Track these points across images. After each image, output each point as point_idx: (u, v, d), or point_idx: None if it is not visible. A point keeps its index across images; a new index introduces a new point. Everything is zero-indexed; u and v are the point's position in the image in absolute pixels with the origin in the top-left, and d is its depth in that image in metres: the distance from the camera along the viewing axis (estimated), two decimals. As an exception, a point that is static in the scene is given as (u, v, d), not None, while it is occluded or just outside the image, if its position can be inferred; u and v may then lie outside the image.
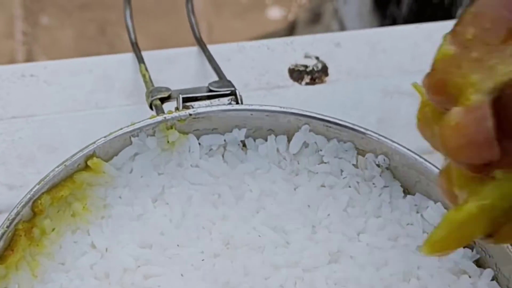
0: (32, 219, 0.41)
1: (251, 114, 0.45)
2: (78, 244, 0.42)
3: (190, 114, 0.44)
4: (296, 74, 0.60)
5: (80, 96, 0.58)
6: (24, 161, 0.54)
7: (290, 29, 1.76)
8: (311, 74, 0.60)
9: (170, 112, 0.45)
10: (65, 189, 0.42)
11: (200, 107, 0.45)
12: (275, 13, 1.77)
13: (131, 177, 0.44)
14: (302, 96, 0.59)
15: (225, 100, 0.46)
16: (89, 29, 1.66)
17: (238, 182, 0.45)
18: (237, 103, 0.46)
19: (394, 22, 1.50)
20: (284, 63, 0.61)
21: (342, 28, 1.72)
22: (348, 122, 0.45)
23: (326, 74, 0.61)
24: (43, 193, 0.41)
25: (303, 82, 0.60)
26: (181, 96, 0.45)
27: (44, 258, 0.41)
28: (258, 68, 0.61)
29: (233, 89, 0.49)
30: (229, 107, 0.45)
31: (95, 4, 1.69)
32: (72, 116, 0.56)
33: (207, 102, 0.46)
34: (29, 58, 1.60)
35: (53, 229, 0.42)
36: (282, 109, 0.45)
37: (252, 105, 0.45)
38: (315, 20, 1.78)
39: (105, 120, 0.56)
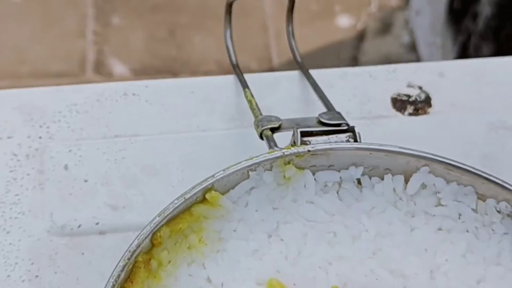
0: (150, 251, 0.41)
1: (370, 154, 0.44)
2: (193, 278, 0.41)
3: (309, 151, 0.44)
4: (399, 104, 0.59)
5: (181, 118, 0.57)
6: (127, 182, 0.54)
7: (359, 38, 1.75)
8: (414, 105, 0.59)
9: (288, 147, 0.44)
10: (183, 222, 0.42)
11: (318, 143, 0.44)
12: (344, 22, 1.75)
13: (246, 211, 0.44)
14: (406, 127, 0.58)
15: (343, 136, 0.45)
16: (159, 31, 1.67)
17: (353, 221, 0.44)
18: (355, 140, 0.45)
19: (468, 37, 1.48)
20: (386, 92, 0.60)
21: (413, 39, 1.70)
22: (470, 166, 0.44)
23: (430, 105, 0.59)
24: (162, 225, 0.41)
25: (406, 113, 0.59)
26: (299, 131, 0.45)
27: (161, 291, 0.41)
28: (360, 96, 0.60)
29: (344, 121, 0.48)
30: (349, 145, 0.44)
31: (166, 6, 1.70)
32: (174, 138, 0.56)
33: (324, 137, 0.45)
34: (100, 58, 1.61)
35: (169, 261, 0.41)
36: (402, 150, 0.44)
37: (372, 144, 0.44)
38: (384, 30, 1.77)
39: (208, 144, 0.56)
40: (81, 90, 0.58)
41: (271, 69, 1.62)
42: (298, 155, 0.44)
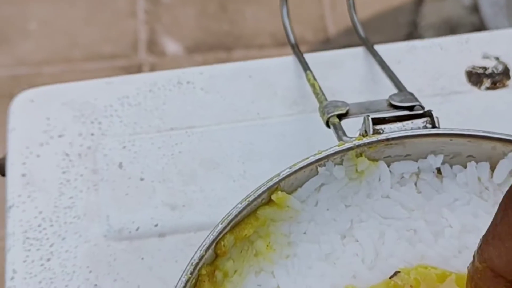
0: (214, 262, 0.37)
1: (451, 140, 0.40)
2: (262, 288, 0.38)
3: (383, 140, 0.40)
4: (475, 77, 0.55)
5: (240, 105, 0.54)
6: (185, 178, 0.50)
7: (417, 2, 1.68)
8: (491, 77, 0.54)
9: (359, 138, 0.40)
10: (248, 227, 0.38)
11: (392, 131, 0.40)
12: (401, -15, 1.68)
13: (317, 210, 0.40)
14: (483, 103, 0.53)
15: (419, 122, 0.41)
16: (210, 6, 1.63)
17: (435, 215, 0.40)
18: (433, 126, 0.41)
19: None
20: (460, 65, 0.55)
21: (474, 0, 1.62)
22: None
23: (509, 77, 0.54)
24: (226, 233, 0.37)
25: (483, 87, 0.54)
26: (370, 118, 0.40)
27: (228, 304, 0.37)
28: (431, 71, 0.55)
29: (418, 103, 0.44)
30: (427, 131, 0.40)
31: (216, -20, 1.65)
32: (233, 127, 0.53)
33: (399, 124, 0.41)
34: (152, 37, 1.59)
35: (235, 271, 0.38)
36: (487, 134, 0.40)
37: (452, 129, 0.40)
38: (445, -9, 1.69)
39: (269, 132, 0.52)
40: (132, 81, 0.55)
41: (327, 39, 1.57)
42: (371, 146, 0.40)
